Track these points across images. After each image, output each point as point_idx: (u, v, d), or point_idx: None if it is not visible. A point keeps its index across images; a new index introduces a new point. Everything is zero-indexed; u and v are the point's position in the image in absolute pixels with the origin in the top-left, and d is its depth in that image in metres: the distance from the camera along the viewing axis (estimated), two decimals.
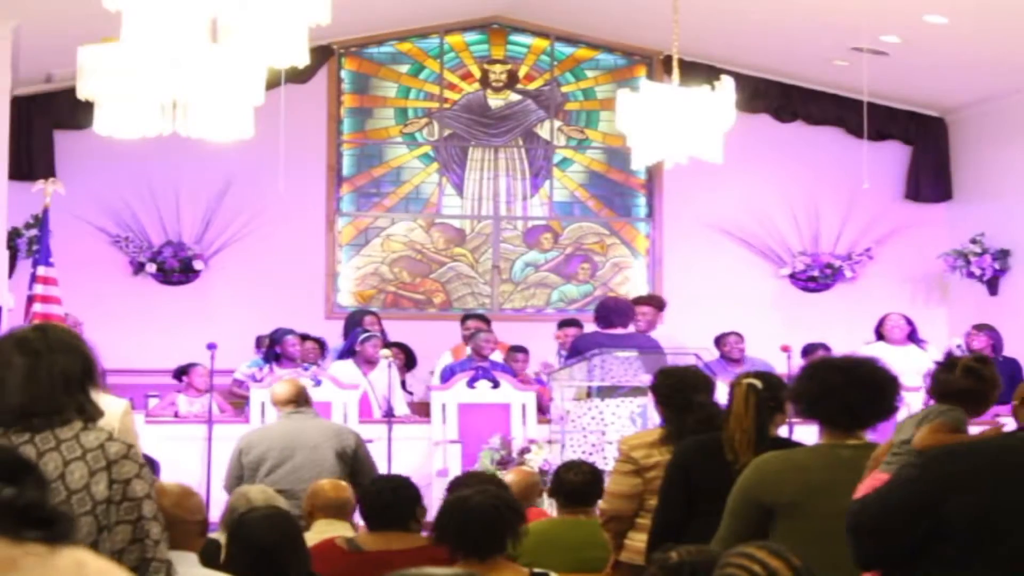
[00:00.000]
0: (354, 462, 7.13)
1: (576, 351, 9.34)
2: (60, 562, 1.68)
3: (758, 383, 4.33)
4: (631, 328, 9.46)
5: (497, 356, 11.01)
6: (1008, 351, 11.04)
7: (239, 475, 7.19)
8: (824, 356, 4.04)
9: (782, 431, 4.55)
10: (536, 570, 4.34)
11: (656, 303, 10.90)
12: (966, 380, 3.73)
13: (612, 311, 9.39)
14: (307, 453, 7.03)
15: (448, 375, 10.70)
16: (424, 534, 5.23)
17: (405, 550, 4.86)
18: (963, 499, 2.86)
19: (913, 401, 10.33)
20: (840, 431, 3.83)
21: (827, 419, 3.86)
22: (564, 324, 11.16)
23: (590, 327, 10.01)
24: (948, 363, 3.81)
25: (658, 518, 4.73)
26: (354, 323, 11.26)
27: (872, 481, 3.46)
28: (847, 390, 3.78)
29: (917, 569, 2.95)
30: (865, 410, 3.82)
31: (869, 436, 3.93)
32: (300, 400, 7.30)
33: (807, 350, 11.13)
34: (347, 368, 10.51)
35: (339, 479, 6.35)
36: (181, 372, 10.98)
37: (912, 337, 11.16)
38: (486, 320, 11.66)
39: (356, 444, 7.23)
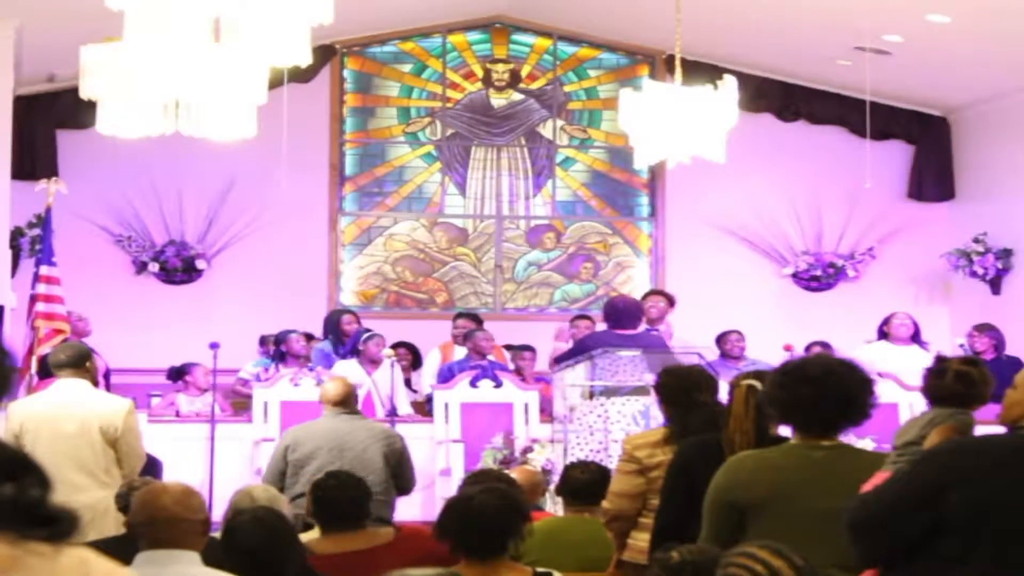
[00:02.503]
0: (397, 465, 7.12)
1: (582, 348, 9.33)
2: (64, 561, 1.68)
3: (758, 384, 4.32)
4: (640, 328, 9.44)
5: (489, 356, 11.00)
6: (1011, 350, 11.01)
7: (282, 470, 7.05)
8: (796, 362, 3.98)
9: (784, 430, 4.54)
10: (539, 569, 4.30)
11: (667, 297, 10.93)
12: (957, 384, 3.75)
13: (621, 311, 9.37)
14: (356, 455, 6.94)
15: (448, 375, 10.68)
16: (388, 529, 5.18)
17: (363, 551, 4.77)
18: (964, 493, 2.85)
19: (914, 401, 10.36)
20: (813, 435, 3.84)
21: (799, 426, 3.87)
22: (577, 319, 11.31)
23: (600, 326, 10.02)
24: (939, 368, 3.82)
25: (660, 518, 4.73)
26: (333, 323, 11.17)
27: (876, 480, 3.46)
28: (817, 402, 3.77)
29: (915, 564, 2.95)
30: (835, 419, 3.83)
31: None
32: (349, 401, 7.25)
33: (809, 350, 11.11)
34: (351, 367, 10.50)
35: (384, 480, 6.83)
36: (177, 373, 10.95)
37: (915, 338, 11.14)
38: (479, 320, 11.66)
39: (402, 447, 7.19)
